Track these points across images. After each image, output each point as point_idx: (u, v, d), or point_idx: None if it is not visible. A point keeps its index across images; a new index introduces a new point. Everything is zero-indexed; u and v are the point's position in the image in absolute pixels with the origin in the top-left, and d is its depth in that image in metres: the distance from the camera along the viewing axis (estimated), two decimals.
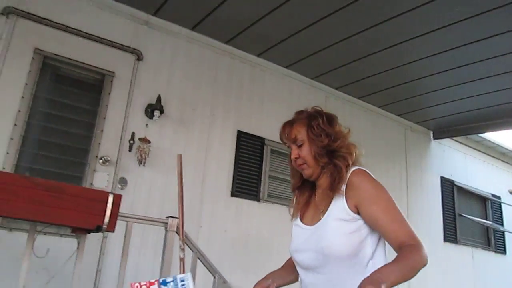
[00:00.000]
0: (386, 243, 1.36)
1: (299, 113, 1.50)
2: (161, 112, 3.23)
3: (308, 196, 1.51)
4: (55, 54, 3.03)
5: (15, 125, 2.79)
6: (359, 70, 4.06)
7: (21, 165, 2.75)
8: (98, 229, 1.97)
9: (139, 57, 3.35)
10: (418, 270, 1.23)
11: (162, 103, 3.25)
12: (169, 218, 2.35)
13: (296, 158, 1.44)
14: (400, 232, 1.30)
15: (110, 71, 3.19)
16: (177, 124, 3.39)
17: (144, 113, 3.25)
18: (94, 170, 2.95)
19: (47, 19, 3.05)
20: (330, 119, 1.46)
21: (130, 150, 3.10)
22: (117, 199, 2.04)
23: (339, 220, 1.34)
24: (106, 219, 1.99)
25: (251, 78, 3.93)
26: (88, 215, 1.96)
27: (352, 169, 1.39)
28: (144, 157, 3.09)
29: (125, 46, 3.32)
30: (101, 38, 3.22)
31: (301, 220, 1.48)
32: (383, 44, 3.61)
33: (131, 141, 3.10)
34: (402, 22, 3.24)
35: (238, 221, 3.57)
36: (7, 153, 2.73)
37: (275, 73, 4.09)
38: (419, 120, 5.20)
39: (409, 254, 1.24)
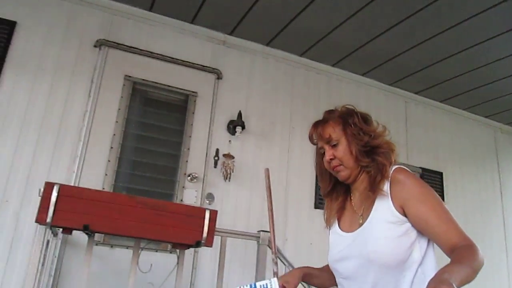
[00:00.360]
0: (435, 247, 1.26)
1: (330, 112, 1.40)
2: (243, 127, 3.30)
3: (342, 201, 1.41)
4: (143, 79, 3.23)
5: (111, 148, 3.00)
6: (440, 72, 3.88)
7: (118, 185, 2.94)
8: (198, 244, 2.05)
9: (218, 76, 3.47)
10: (478, 272, 1.12)
11: (243, 119, 3.32)
12: (261, 232, 2.38)
13: (331, 159, 1.34)
14: (453, 234, 1.19)
15: (193, 91, 3.33)
16: (258, 138, 3.45)
17: (227, 130, 3.34)
18: (183, 187, 3.08)
19: (134, 47, 3.27)
20: (365, 117, 1.37)
21: (215, 166, 3.19)
22: (213, 214, 2.11)
23: (385, 222, 1.23)
24: (204, 234, 2.06)
25: (327, 89, 3.90)
26: (188, 231, 2.04)
27: (394, 167, 1.29)
28: (229, 172, 3.17)
29: (205, 66, 3.45)
30: (183, 61, 3.38)
31: (339, 226, 1.39)
32: (465, 43, 3.42)
33: (216, 158, 3.20)
34: (485, 19, 3.06)
35: (323, 233, 3.50)
36: (106, 174, 2.93)
37: (352, 81, 4.03)
38: (510, 121, 4.84)
39: (470, 255, 1.13)
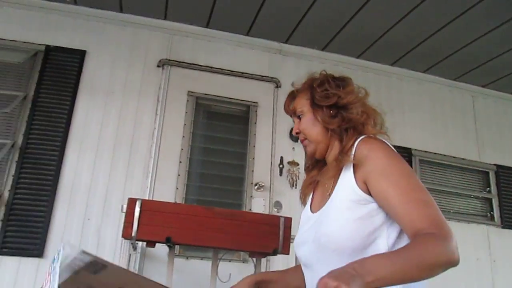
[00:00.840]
0: None
1: (303, 83, 1.24)
2: None
3: (313, 176, 1.24)
4: (205, 94, 3.32)
5: (180, 162, 3.10)
6: (510, 62, 3.67)
7: (189, 197, 3.03)
8: (275, 252, 2.06)
9: (277, 84, 3.50)
10: (435, 267, 0.86)
11: None
12: None
13: (297, 133, 1.21)
14: (417, 217, 0.92)
15: (253, 102, 3.38)
16: None
17: (289, 137, 3.35)
18: (251, 196, 3.11)
19: (195, 64, 3.38)
20: (340, 80, 1.19)
21: (280, 174, 3.21)
22: (288, 222, 2.12)
23: (346, 201, 1.03)
24: (281, 242, 2.07)
25: (387, 89, 3.81)
26: (265, 240, 2.06)
27: (362, 137, 1.08)
28: (294, 179, 3.17)
29: (264, 76, 3.49)
30: (242, 73, 3.45)
31: (310, 206, 1.21)
32: None
33: (281, 165, 3.22)
34: None
35: None
36: (177, 188, 3.03)
37: (413, 79, 3.91)
38: None
39: (421, 244, 0.87)
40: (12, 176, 2.84)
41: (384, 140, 1.10)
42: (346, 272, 0.79)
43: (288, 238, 2.07)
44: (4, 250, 2.67)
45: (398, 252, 0.89)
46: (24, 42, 3.13)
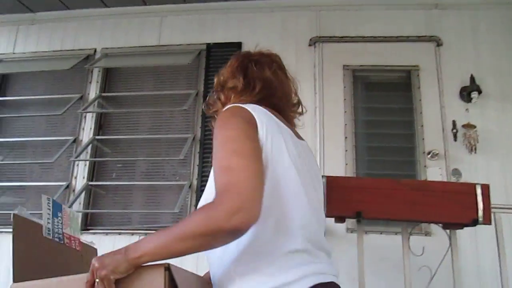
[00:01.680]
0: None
1: None
2: (479, 92, 2.97)
3: None
4: (361, 65, 3.23)
5: (346, 137, 3.08)
6: None
7: (360, 172, 3.00)
8: (474, 222, 1.90)
9: (438, 43, 3.20)
10: (197, 237, 0.84)
11: (477, 83, 2.99)
12: None
13: None
14: (216, 185, 0.90)
15: (414, 66, 3.16)
16: (501, 100, 3.04)
17: (460, 98, 3.05)
18: (425, 166, 2.94)
19: (346, 36, 3.30)
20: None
21: (455, 140, 2.95)
22: (485, 190, 1.94)
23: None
24: (480, 212, 1.91)
25: None
26: (460, 210, 1.92)
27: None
28: (473, 143, 2.89)
29: (421, 36, 3.23)
30: (396, 37, 3.25)
31: None
32: None
33: (454, 130, 2.96)
34: None
35: None
36: (346, 164, 3.02)
37: None
38: None
39: (188, 216, 0.97)
40: (197, 166, 3.17)
41: (236, 105, 1.07)
42: (111, 252, 0.89)
43: (488, 207, 1.90)
44: None
45: (170, 227, 0.89)
46: (188, 44, 3.44)
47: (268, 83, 1.20)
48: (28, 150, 3.44)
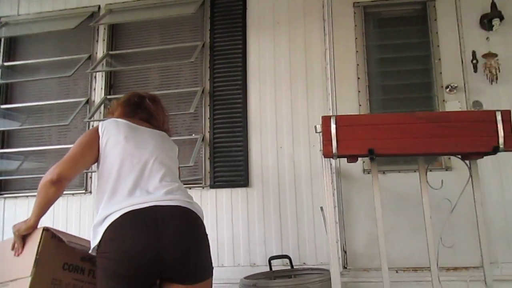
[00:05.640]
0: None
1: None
2: (501, 18, 2.78)
3: None
4: (372, 1, 3.06)
5: (358, 78, 2.97)
6: None
7: (374, 113, 2.90)
8: (495, 150, 1.83)
9: None
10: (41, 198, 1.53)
11: (498, 8, 2.80)
12: None
13: None
14: None
15: None
16: None
17: (480, 27, 2.87)
18: (444, 100, 2.82)
19: None
20: None
21: (475, 71, 2.81)
22: (506, 115, 1.85)
23: None
24: (501, 139, 1.82)
25: None
26: (480, 138, 1.85)
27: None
28: (494, 73, 2.75)
29: None
30: None
31: None
32: None
33: (474, 61, 2.81)
34: None
35: None
36: (360, 105, 2.93)
37: None
38: None
39: None
40: (208, 119, 3.14)
41: (102, 121, 1.73)
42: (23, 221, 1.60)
43: (510, 133, 1.82)
44: (217, 183, 3.02)
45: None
46: None
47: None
48: (44, 114, 3.47)
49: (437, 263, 1.95)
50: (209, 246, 1.57)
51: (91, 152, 1.62)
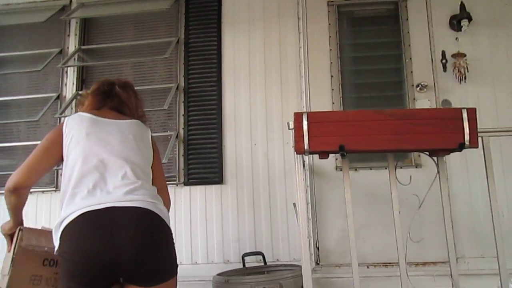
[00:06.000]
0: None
1: None
2: (469, 20, 2.86)
3: None
4: (345, 0, 3.10)
5: (332, 76, 3.00)
6: None
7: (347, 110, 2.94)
8: (461, 147, 1.87)
9: None
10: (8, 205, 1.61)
11: (467, 10, 2.87)
12: None
13: None
14: None
15: None
16: (492, 26, 2.93)
17: (450, 27, 2.95)
18: (414, 99, 2.89)
19: None
20: None
21: (445, 70, 2.88)
22: (472, 113, 1.89)
23: None
24: (466, 136, 1.87)
25: None
26: (446, 135, 1.89)
27: None
28: (463, 72, 2.82)
29: None
30: None
31: None
32: None
33: (443, 61, 2.88)
34: None
35: None
36: (333, 102, 2.97)
37: None
38: None
39: None
40: (183, 115, 3.12)
41: (67, 118, 1.69)
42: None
43: (475, 130, 1.86)
44: (191, 180, 3.00)
45: None
46: None
47: None
48: (13, 110, 3.37)
49: (405, 258, 1.98)
50: (171, 247, 1.53)
51: (51, 157, 1.62)
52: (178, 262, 1.55)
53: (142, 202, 1.48)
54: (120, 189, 1.49)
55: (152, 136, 1.79)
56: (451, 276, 1.96)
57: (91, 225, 1.41)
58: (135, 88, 1.94)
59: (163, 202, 1.65)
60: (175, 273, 1.52)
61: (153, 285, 1.44)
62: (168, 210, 1.66)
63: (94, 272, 1.38)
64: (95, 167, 1.54)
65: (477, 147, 1.87)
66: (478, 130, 1.93)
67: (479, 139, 1.95)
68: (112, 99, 1.80)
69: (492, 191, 2.02)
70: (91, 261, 1.37)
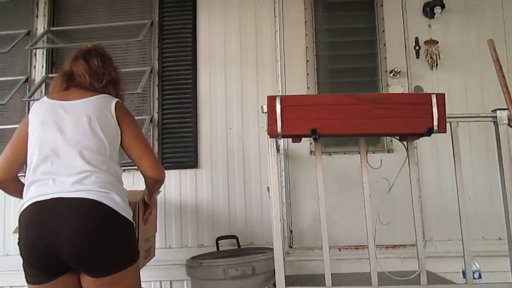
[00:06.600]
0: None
1: None
2: (442, 7, 2.89)
3: None
4: None
5: (307, 61, 3.01)
6: None
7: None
8: (429, 131, 1.91)
9: None
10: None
11: None
12: (497, 111, 2.08)
13: None
14: None
15: None
16: (464, 14, 2.98)
17: (423, 14, 2.98)
18: (388, 85, 2.92)
19: None
20: None
21: (417, 57, 2.92)
22: (441, 98, 1.93)
23: None
24: (435, 121, 1.90)
25: None
26: (416, 120, 1.92)
27: None
28: (435, 59, 2.87)
29: None
30: None
31: None
32: None
33: (417, 47, 2.91)
34: None
35: None
36: (308, 87, 2.98)
37: None
38: None
39: None
40: (157, 99, 3.08)
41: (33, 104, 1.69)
42: None
43: (443, 116, 1.90)
44: (165, 165, 2.97)
45: None
46: None
47: None
48: None
49: (374, 240, 2.02)
50: (121, 238, 1.51)
51: (21, 149, 1.62)
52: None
53: (89, 193, 1.47)
54: (69, 179, 1.49)
55: (119, 107, 1.70)
56: (418, 258, 2.01)
57: (36, 215, 1.45)
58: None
59: (144, 171, 1.65)
60: (128, 265, 1.50)
61: (104, 276, 1.44)
62: (158, 177, 1.69)
63: (40, 259, 1.43)
64: (47, 157, 1.54)
65: (445, 132, 1.91)
66: (447, 115, 1.97)
67: (448, 124, 2.00)
68: (75, 79, 1.74)
69: (459, 175, 2.07)
70: (33, 251, 1.42)
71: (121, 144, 1.70)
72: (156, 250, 2.53)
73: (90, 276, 1.44)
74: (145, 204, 2.04)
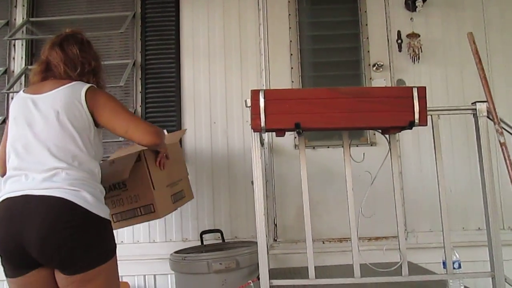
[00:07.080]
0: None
1: None
2: (424, 0, 2.92)
3: None
4: None
5: (291, 54, 3.01)
6: None
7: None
8: (411, 124, 1.93)
9: None
10: None
11: None
12: (477, 104, 2.12)
13: None
14: None
15: None
16: (445, 8, 3.01)
17: (405, 8, 3.00)
18: (371, 78, 2.94)
19: None
20: None
21: (400, 50, 2.94)
22: (422, 92, 1.94)
23: None
24: (416, 114, 1.93)
25: None
26: (398, 113, 1.93)
27: None
28: (417, 52, 2.89)
29: None
30: None
31: None
32: None
33: (399, 41, 2.94)
34: None
35: None
36: (292, 81, 2.98)
37: None
38: None
39: None
40: (140, 92, 3.05)
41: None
42: None
43: (424, 109, 1.91)
44: None
45: None
46: None
47: None
48: None
49: (357, 233, 2.05)
50: (91, 236, 1.46)
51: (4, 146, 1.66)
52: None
53: (59, 190, 1.44)
54: (39, 176, 1.47)
55: (90, 91, 1.60)
56: (399, 249, 2.04)
57: (7, 212, 1.45)
58: None
59: (139, 142, 1.63)
60: (100, 262, 1.47)
61: (74, 274, 1.43)
62: (154, 142, 1.64)
63: (11, 255, 1.45)
64: (18, 154, 1.54)
65: (426, 125, 1.93)
66: (428, 108, 1.99)
67: (429, 117, 2.02)
68: (52, 67, 1.68)
69: (440, 167, 2.10)
70: (4, 245, 1.44)
71: (105, 127, 1.65)
72: (139, 244, 2.52)
73: (62, 273, 1.44)
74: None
